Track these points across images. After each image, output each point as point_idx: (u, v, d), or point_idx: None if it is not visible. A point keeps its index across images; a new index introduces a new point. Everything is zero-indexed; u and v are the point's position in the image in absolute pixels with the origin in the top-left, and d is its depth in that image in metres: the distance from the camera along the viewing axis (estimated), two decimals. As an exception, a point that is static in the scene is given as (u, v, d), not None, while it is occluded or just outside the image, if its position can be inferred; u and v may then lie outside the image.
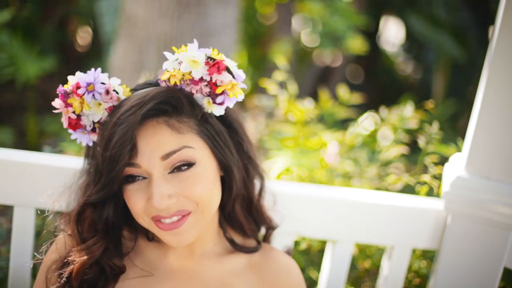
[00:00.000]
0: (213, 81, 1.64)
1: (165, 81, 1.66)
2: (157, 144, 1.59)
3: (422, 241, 2.33)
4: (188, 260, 1.80)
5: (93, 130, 1.68)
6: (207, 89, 1.66)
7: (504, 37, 2.11)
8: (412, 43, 8.57)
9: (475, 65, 7.38)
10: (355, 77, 9.39)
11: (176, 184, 1.61)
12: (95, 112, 1.63)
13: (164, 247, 1.80)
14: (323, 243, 2.62)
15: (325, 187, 2.48)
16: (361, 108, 4.06)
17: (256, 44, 8.03)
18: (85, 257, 1.65)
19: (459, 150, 2.79)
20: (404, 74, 9.35)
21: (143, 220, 1.64)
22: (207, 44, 4.20)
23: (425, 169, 2.79)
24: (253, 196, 1.88)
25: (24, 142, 6.04)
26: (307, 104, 3.33)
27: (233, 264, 1.84)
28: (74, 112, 1.65)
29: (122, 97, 1.65)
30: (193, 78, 1.64)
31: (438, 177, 2.61)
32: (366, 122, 3.25)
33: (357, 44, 6.60)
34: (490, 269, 2.23)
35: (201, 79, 1.64)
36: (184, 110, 1.64)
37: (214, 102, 1.67)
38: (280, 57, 3.30)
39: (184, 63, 1.62)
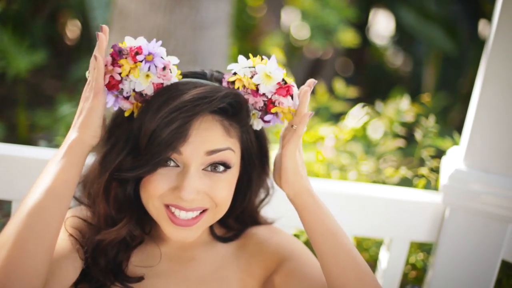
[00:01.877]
0: (273, 99, 1.65)
1: (228, 82, 1.66)
2: (207, 139, 1.59)
3: (420, 234, 2.34)
4: (183, 251, 1.80)
5: (126, 98, 1.63)
6: (261, 104, 1.67)
7: (502, 29, 2.12)
8: (402, 36, 8.57)
9: (465, 58, 7.40)
10: (345, 70, 9.40)
11: (207, 183, 1.61)
12: (141, 82, 1.59)
13: (159, 240, 1.80)
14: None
15: (323, 181, 2.48)
16: (352, 101, 4.07)
17: (246, 37, 8.01)
18: (113, 237, 1.66)
19: (454, 143, 2.79)
20: (393, 67, 9.36)
21: (153, 205, 1.62)
22: (200, 37, 4.19)
23: (421, 162, 2.80)
24: (253, 207, 1.90)
25: (15, 136, 6.01)
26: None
27: (223, 250, 1.84)
28: (120, 74, 1.59)
29: (174, 79, 1.63)
30: (256, 90, 1.64)
31: (435, 170, 2.62)
32: (361, 115, 3.26)
33: (348, 37, 6.60)
34: (488, 262, 2.25)
35: (263, 94, 1.65)
36: (240, 116, 1.65)
37: (260, 117, 1.69)
38: (276, 50, 3.30)
39: (259, 75, 1.62)
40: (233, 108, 1.63)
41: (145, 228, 1.78)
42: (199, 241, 1.83)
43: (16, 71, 5.70)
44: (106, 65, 1.58)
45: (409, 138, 3.35)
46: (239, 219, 1.88)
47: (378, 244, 2.63)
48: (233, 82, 1.65)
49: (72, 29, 8.32)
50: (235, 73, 1.66)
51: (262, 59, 1.65)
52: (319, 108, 3.47)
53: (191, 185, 1.57)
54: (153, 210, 1.64)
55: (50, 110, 6.02)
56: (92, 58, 1.59)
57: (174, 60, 1.63)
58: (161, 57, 1.60)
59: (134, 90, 1.62)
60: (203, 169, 1.61)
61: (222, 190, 1.63)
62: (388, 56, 9.35)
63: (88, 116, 1.56)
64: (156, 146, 1.54)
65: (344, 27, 6.53)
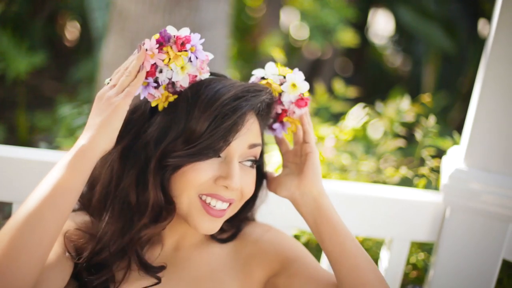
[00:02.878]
0: (287, 109, 1.73)
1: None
2: (251, 132, 1.63)
3: (420, 234, 2.34)
4: (177, 252, 1.79)
5: (156, 87, 1.61)
6: (278, 111, 1.75)
7: (502, 29, 2.12)
8: (402, 35, 8.58)
9: (464, 57, 7.41)
10: (344, 70, 9.40)
11: (242, 175, 1.65)
12: (177, 73, 1.59)
13: (156, 241, 1.78)
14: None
15: (323, 181, 2.48)
16: (351, 101, 4.07)
17: (246, 38, 8.02)
18: (158, 230, 1.66)
19: (454, 143, 2.79)
20: (392, 67, 9.36)
21: (188, 195, 1.61)
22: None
23: (421, 162, 2.80)
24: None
25: (14, 138, 6.01)
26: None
27: (219, 251, 1.83)
28: (162, 60, 1.57)
29: (207, 74, 1.65)
30: (279, 97, 1.71)
31: (435, 170, 2.62)
32: (361, 115, 3.26)
33: (347, 37, 6.60)
34: (489, 261, 2.25)
35: (281, 102, 1.72)
36: (269, 116, 1.74)
37: (267, 125, 1.78)
38: (276, 50, 3.30)
39: (287, 83, 1.69)
40: (269, 107, 1.71)
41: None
42: (194, 241, 1.82)
43: (16, 73, 5.71)
44: (151, 50, 1.57)
45: (410, 138, 3.35)
46: (233, 219, 1.88)
47: (379, 244, 2.63)
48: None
49: (72, 31, 8.32)
50: (263, 78, 1.72)
51: (284, 67, 1.71)
52: (319, 108, 3.46)
53: (238, 173, 1.61)
54: (186, 201, 1.63)
55: (50, 112, 6.03)
56: (135, 63, 1.57)
57: (211, 55, 1.63)
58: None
59: (169, 80, 1.61)
60: (239, 162, 1.66)
61: (251, 184, 1.69)
62: (387, 56, 9.35)
63: (111, 114, 1.52)
64: (218, 133, 1.57)
65: (343, 27, 6.53)
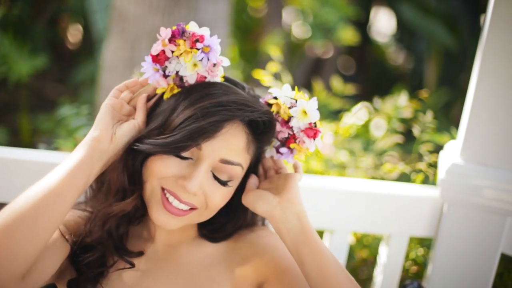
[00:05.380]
0: (296, 136, 1.67)
1: (266, 102, 1.69)
2: (228, 146, 1.60)
3: (419, 229, 2.34)
4: (170, 248, 1.80)
5: (165, 76, 1.64)
6: (285, 135, 1.69)
7: (497, 22, 2.12)
8: (404, 32, 8.58)
9: (467, 53, 7.40)
10: (346, 68, 9.40)
11: (210, 184, 1.63)
12: (187, 68, 1.60)
13: (149, 232, 1.80)
14: (320, 233, 2.62)
15: (321, 178, 2.48)
16: (354, 99, 4.07)
17: (247, 37, 8.02)
18: (121, 209, 1.66)
19: (452, 138, 2.79)
20: (395, 64, 9.36)
21: (151, 184, 1.63)
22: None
23: (420, 158, 2.80)
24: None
25: (18, 140, 6.03)
26: (301, 96, 3.32)
27: (213, 250, 1.83)
28: (172, 52, 1.59)
29: (218, 79, 1.65)
30: (287, 121, 1.67)
31: (433, 165, 2.62)
32: (360, 112, 3.26)
33: (348, 35, 6.59)
34: (487, 256, 2.25)
35: (291, 127, 1.67)
36: (266, 137, 1.68)
37: (275, 147, 1.73)
38: (274, 49, 3.30)
39: (297, 108, 1.63)
40: (264, 127, 1.65)
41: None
42: (186, 239, 1.82)
43: (18, 76, 5.72)
44: (163, 39, 1.59)
45: (409, 134, 3.35)
46: (231, 221, 1.87)
47: (378, 240, 2.63)
48: (270, 105, 1.68)
49: (74, 33, 8.34)
50: (275, 97, 1.68)
51: (304, 94, 1.66)
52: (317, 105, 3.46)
53: (199, 178, 1.59)
54: (149, 189, 1.65)
55: (52, 114, 6.05)
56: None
57: (226, 62, 1.63)
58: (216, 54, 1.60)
59: (177, 73, 1.63)
60: (211, 171, 1.63)
61: (220, 197, 1.65)
62: (390, 54, 9.35)
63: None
64: (186, 132, 1.55)
65: (343, 25, 6.53)
